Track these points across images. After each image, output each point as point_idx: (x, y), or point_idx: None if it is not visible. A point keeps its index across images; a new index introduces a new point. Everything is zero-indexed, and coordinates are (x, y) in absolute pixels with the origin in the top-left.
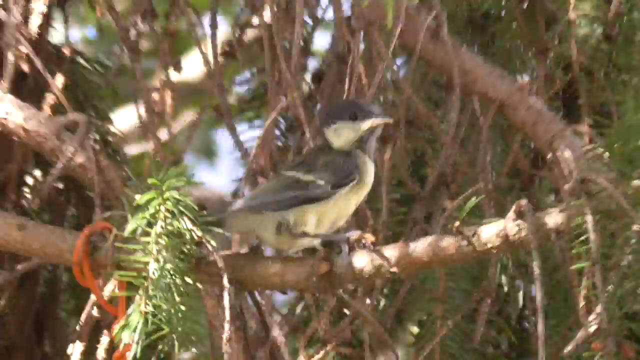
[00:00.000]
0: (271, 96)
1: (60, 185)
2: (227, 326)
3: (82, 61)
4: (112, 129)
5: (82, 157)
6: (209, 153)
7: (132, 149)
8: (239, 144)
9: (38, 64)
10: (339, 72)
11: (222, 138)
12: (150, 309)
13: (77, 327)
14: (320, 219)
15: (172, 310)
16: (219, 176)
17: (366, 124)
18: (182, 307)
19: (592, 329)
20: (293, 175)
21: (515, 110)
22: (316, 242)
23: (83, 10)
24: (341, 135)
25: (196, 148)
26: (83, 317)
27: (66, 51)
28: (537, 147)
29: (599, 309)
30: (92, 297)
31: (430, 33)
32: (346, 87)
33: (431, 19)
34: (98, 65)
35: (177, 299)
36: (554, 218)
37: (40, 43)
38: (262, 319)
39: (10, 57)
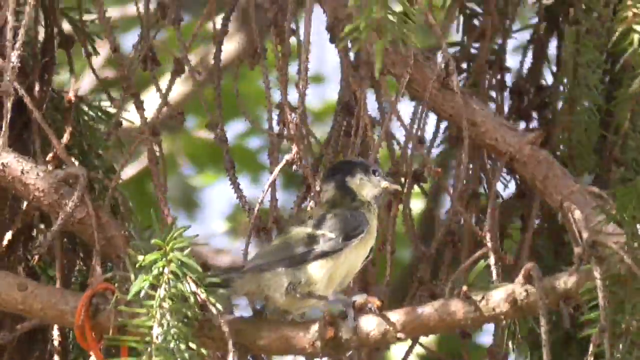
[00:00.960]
0: (273, 148)
1: (66, 239)
2: None
3: (85, 108)
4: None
5: (82, 213)
6: (188, 204)
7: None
8: (242, 199)
9: (37, 115)
10: (346, 124)
11: (204, 188)
12: None
13: None
14: (332, 276)
15: None
16: (200, 229)
17: (385, 184)
18: None
19: None
20: (303, 230)
21: (524, 164)
22: (322, 304)
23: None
24: (366, 187)
25: (174, 198)
26: None
27: (71, 97)
28: (547, 203)
29: None
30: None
31: (440, 82)
32: (352, 139)
33: (441, 66)
34: (101, 113)
35: None
36: (563, 282)
37: (43, 89)
38: None
39: (7, 105)
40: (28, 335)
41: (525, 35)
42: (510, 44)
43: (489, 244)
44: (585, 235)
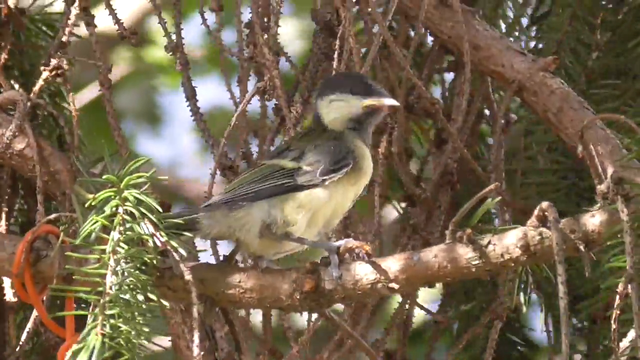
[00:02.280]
0: (243, 75)
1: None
2: (195, 349)
3: (26, 22)
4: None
5: (22, 144)
6: (151, 118)
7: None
8: (205, 131)
9: None
10: (326, 46)
11: (168, 100)
12: (107, 330)
13: (17, 349)
14: (314, 217)
15: (133, 332)
16: (163, 145)
17: (369, 101)
18: (145, 329)
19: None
20: (275, 163)
21: (535, 94)
22: (304, 248)
23: None
24: (336, 108)
25: (136, 112)
26: (23, 338)
27: (8, 9)
28: (561, 139)
29: (632, 333)
30: (36, 314)
31: None
32: (334, 64)
33: None
34: (46, 27)
35: (139, 318)
36: (583, 225)
37: None
38: (236, 340)
39: None
40: None
41: None
42: None
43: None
44: (610, 170)
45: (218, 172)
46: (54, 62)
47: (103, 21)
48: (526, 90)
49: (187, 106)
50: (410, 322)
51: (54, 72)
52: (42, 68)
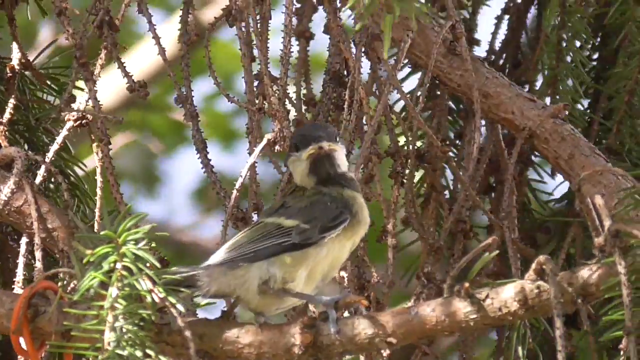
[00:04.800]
0: (253, 127)
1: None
2: None
3: (32, 77)
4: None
5: (20, 201)
6: (149, 180)
7: None
8: (216, 184)
9: None
10: (336, 96)
11: (165, 163)
12: None
13: None
14: (312, 272)
15: None
16: (161, 207)
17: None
18: None
19: None
20: (273, 221)
21: (546, 141)
22: (303, 302)
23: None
24: (295, 169)
25: (133, 174)
26: None
27: (14, 65)
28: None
29: None
30: None
31: (446, 47)
32: (344, 114)
33: (447, 30)
34: (51, 82)
35: None
36: (581, 278)
37: None
38: None
39: None
40: None
41: (500, 2)
42: (483, 13)
43: (508, 235)
44: (607, 223)
45: (230, 224)
46: (75, 113)
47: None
48: (537, 138)
49: (198, 158)
50: None
51: (78, 122)
52: (66, 118)
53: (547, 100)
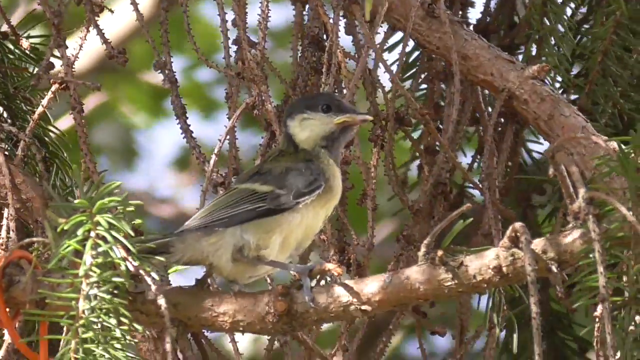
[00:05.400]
0: (231, 91)
1: None
2: None
3: (10, 46)
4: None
5: None
6: (127, 153)
7: None
8: (196, 149)
9: None
10: (315, 60)
11: (143, 135)
12: (81, 354)
13: None
14: (286, 240)
15: (107, 356)
16: (139, 180)
17: (340, 118)
18: (119, 353)
19: None
20: (248, 187)
21: (526, 102)
22: (277, 270)
23: None
24: (308, 127)
25: (111, 147)
26: None
27: None
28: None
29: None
30: (8, 339)
31: (425, 10)
32: (323, 78)
33: None
34: (30, 51)
35: (112, 342)
36: (555, 245)
37: None
38: None
39: None
40: None
41: None
42: None
43: (488, 196)
44: (581, 190)
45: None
46: (60, 78)
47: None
48: (516, 99)
49: (177, 124)
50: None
51: (63, 85)
52: (51, 81)
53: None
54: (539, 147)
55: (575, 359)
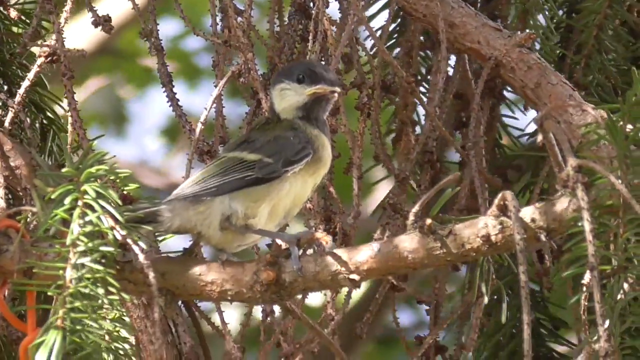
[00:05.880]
0: (218, 59)
1: None
2: (157, 342)
3: (4, 10)
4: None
5: None
6: (117, 119)
7: None
8: (182, 117)
9: None
10: (301, 28)
11: (134, 102)
12: (68, 324)
13: None
14: (274, 208)
15: (95, 325)
16: (130, 146)
17: (311, 89)
18: (106, 322)
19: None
20: (236, 155)
21: (513, 70)
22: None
23: None
24: (285, 97)
25: (102, 113)
26: None
27: None
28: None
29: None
30: None
31: None
32: (309, 46)
33: None
34: (25, 17)
35: (101, 312)
36: (544, 214)
37: None
38: (199, 333)
39: None
40: None
41: None
42: None
43: (474, 165)
44: (570, 158)
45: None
46: (46, 49)
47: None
48: (503, 67)
49: (163, 92)
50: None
51: (49, 59)
52: (37, 54)
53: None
54: (515, 122)
55: (549, 337)
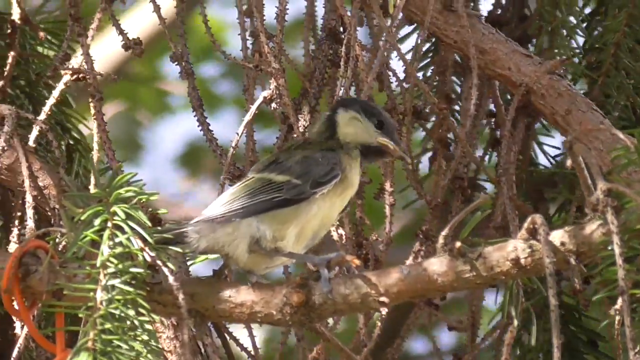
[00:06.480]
0: (248, 83)
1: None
2: None
3: (32, 32)
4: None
5: (11, 158)
6: (132, 146)
7: None
8: (213, 141)
9: None
10: (332, 53)
11: (149, 129)
12: (99, 345)
13: None
14: (302, 230)
15: (125, 347)
16: (144, 174)
17: (385, 140)
18: (136, 343)
19: None
20: (264, 176)
21: (543, 97)
22: (293, 261)
23: None
24: (354, 127)
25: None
26: (15, 353)
27: (15, 19)
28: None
29: (630, 348)
30: (25, 330)
31: (442, 3)
32: (341, 71)
33: None
34: (52, 37)
35: (131, 333)
36: (573, 237)
37: None
38: (229, 354)
39: None
40: None
41: None
42: None
43: (505, 191)
44: (600, 182)
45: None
46: (74, 66)
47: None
48: (533, 93)
49: (194, 116)
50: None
51: (75, 77)
52: (62, 72)
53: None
54: (551, 140)
55: (586, 351)
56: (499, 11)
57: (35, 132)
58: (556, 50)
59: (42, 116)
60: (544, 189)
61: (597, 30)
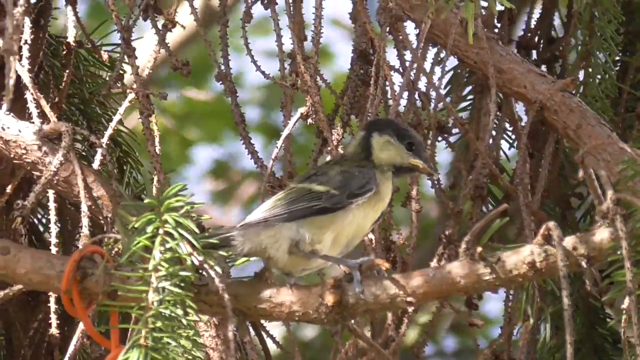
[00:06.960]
0: (286, 100)
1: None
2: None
3: (85, 54)
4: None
5: (67, 171)
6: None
7: None
8: (254, 154)
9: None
10: (363, 73)
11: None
12: (150, 342)
13: None
14: (338, 236)
15: (173, 344)
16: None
17: (416, 161)
18: (185, 341)
19: None
20: (306, 186)
21: (556, 113)
22: (328, 265)
23: None
24: (387, 151)
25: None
26: (71, 349)
27: (70, 42)
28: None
29: (637, 345)
30: (82, 327)
31: (463, 27)
32: (371, 90)
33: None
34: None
35: (179, 331)
36: (585, 243)
37: (39, 35)
38: (266, 351)
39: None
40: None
41: None
42: None
43: (521, 198)
44: (609, 192)
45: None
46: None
47: None
48: (547, 110)
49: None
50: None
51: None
52: (127, 92)
53: (581, 73)
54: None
55: (614, 352)
56: (529, 35)
57: (99, 155)
58: (590, 70)
59: (105, 139)
60: (570, 199)
61: (627, 51)
